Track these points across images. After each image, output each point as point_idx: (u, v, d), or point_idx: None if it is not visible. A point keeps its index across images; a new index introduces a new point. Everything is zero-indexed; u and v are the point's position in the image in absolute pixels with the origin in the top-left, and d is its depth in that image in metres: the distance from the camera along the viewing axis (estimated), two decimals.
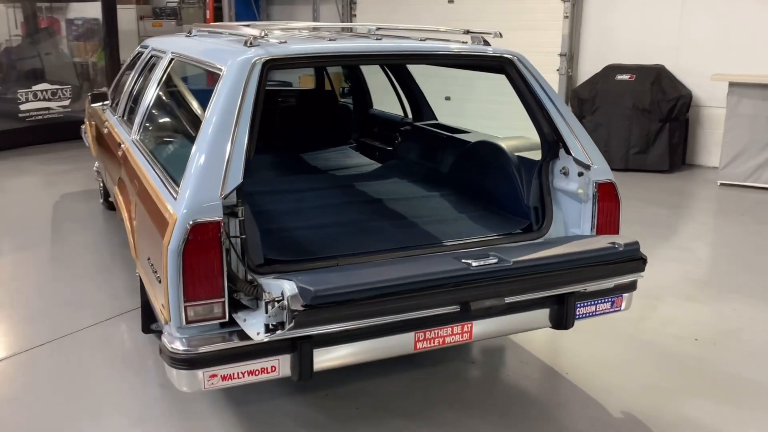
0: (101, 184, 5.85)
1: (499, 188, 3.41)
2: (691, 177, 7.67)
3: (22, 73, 8.93)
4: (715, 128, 7.74)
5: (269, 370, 2.44)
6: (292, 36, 3.27)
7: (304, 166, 4.83)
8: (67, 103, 8.98)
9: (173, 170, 2.74)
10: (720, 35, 7.62)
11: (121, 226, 5.29)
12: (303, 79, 8.56)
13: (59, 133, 8.71)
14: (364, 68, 5.45)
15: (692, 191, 7.25)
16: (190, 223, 2.32)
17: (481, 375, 3.45)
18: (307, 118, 5.47)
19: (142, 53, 4.41)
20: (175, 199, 2.47)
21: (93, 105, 5.37)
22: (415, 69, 4.96)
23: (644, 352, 3.63)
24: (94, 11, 9.52)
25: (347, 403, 3.11)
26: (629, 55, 8.03)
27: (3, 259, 5.05)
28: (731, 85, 6.95)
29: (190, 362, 2.37)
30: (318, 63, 4.07)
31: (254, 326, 2.30)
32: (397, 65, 4.73)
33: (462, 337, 2.67)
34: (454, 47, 3.10)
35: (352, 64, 4.92)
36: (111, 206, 5.76)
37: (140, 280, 3.31)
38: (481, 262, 2.45)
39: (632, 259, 2.67)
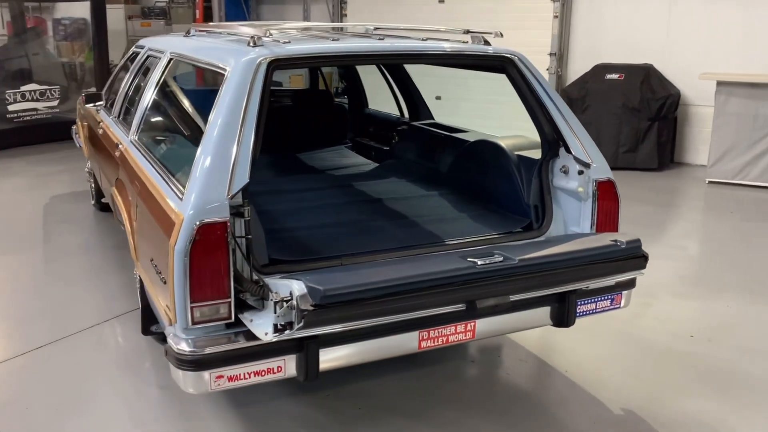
0: (92, 185, 5.80)
1: (499, 187, 3.43)
2: (679, 175, 7.74)
3: (9, 73, 8.83)
4: (703, 127, 7.82)
5: (275, 370, 2.44)
6: (292, 36, 3.26)
7: (300, 166, 4.82)
8: (55, 103, 8.90)
9: (178, 171, 2.73)
10: (708, 35, 7.70)
11: (114, 227, 5.29)
12: (293, 79, 8.55)
13: (48, 133, 8.63)
14: (360, 68, 5.45)
15: (681, 189, 7.33)
16: (197, 223, 2.31)
17: (480, 374, 3.47)
18: (303, 117, 5.46)
19: (138, 53, 4.38)
20: (180, 199, 2.46)
21: (86, 105, 5.33)
22: (407, 68, 4.96)
23: (641, 349, 3.66)
24: (81, 11, 9.44)
25: (349, 403, 3.11)
26: (618, 55, 8.10)
27: None
28: (719, 83, 7.03)
29: (196, 363, 2.36)
30: (322, 63, 4.07)
31: (262, 326, 2.30)
32: (394, 65, 4.74)
33: (465, 336, 2.68)
34: (457, 47, 3.11)
35: (356, 63, 4.91)
36: (103, 207, 5.72)
37: (140, 281, 3.30)
38: (487, 261, 2.47)
39: (634, 257, 2.70)
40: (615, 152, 7.69)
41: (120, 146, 3.72)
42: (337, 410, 3.06)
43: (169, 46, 3.74)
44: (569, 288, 2.72)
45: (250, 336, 2.37)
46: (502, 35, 3.09)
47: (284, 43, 2.76)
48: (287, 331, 2.23)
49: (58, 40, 9.81)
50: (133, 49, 4.73)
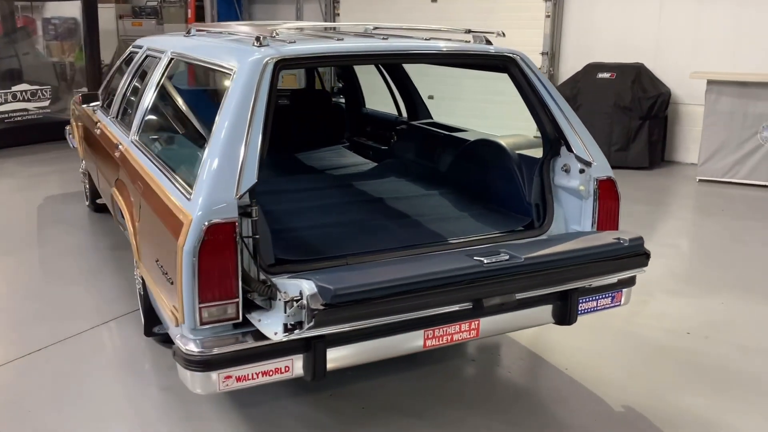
0: (87, 186, 5.77)
1: (500, 186, 3.45)
2: (670, 174, 7.80)
3: (0, 73, 8.76)
4: (693, 125, 7.88)
5: (283, 370, 2.44)
6: (297, 36, 3.27)
7: (299, 165, 4.82)
8: (46, 103, 8.84)
9: (184, 171, 2.72)
10: (698, 34, 7.77)
11: (110, 228, 5.26)
12: (285, 78, 8.53)
13: (39, 134, 8.56)
14: (357, 67, 5.45)
15: (672, 188, 7.39)
16: (206, 223, 2.31)
17: (481, 372, 3.48)
18: (301, 117, 5.46)
19: (136, 53, 4.36)
20: (188, 200, 2.46)
21: (82, 105, 5.30)
22: (406, 68, 4.97)
23: (639, 347, 3.70)
24: (71, 10, 9.37)
25: (352, 403, 3.12)
26: (610, 54, 8.16)
27: None
28: (709, 82, 7.09)
29: (204, 364, 2.36)
30: (328, 63, 4.07)
31: (271, 326, 2.31)
32: (393, 64, 4.74)
33: (469, 335, 2.70)
34: (461, 47, 3.13)
35: (361, 63, 4.90)
36: (97, 208, 5.69)
37: (142, 282, 3.29)
38: (493, 259, 2.49)
39: (637, 254, 2.73)
40: (606, 151, 7.70)
41: (120, 146, 3.70)
42: (339, 410, 3.07)
43: (170, 45, 3.72)
44: (574, 286, 2.75)
45: (258, 336, 2.38)
46: (504, 35, 3.11)
47: (290, 42, 2.76)
48: (297, 331, 2.24)
49: (48, 40, 9.73)
50: (130, 49, 4.70)
